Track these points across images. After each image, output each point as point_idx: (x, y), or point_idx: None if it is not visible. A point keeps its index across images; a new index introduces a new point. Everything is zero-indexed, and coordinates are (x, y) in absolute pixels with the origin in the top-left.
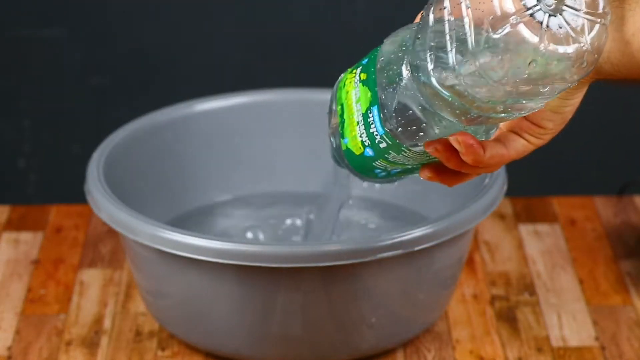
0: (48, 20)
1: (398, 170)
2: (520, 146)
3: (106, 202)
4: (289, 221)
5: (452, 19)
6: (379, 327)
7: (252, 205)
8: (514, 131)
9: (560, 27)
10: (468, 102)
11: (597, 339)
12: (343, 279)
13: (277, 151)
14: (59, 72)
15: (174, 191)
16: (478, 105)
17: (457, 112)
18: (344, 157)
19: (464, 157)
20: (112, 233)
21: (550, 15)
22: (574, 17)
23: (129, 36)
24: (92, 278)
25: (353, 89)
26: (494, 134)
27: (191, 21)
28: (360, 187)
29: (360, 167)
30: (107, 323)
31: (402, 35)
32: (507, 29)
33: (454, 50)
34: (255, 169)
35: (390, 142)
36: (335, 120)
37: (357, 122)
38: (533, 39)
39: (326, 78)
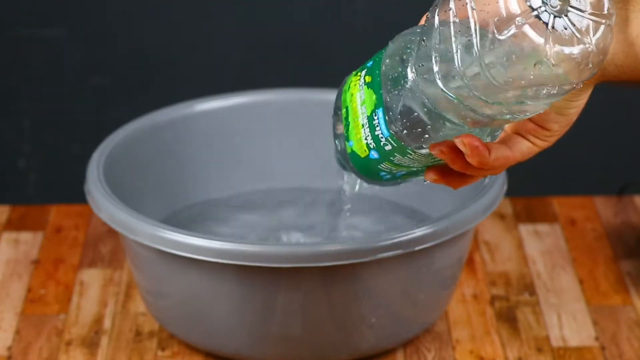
0: (48, 20)
1: (403, 172)
2: (525, 148)
3: (106, 202)
4: (290, 221)
5: (457, 20)
6: (379, 327)
7: (252, 205)
8: (519, 133)
9: (566, 28)
10: (473, 103)
11: (597, 339)
12: (343, 279)
13: (277, 151)
14: (59, 72)
15: (174, 191)
16: (483, 107)
17: (462, 114)
18: (349, 160)
19: (469, 159)
20: (112, 233)
21: (555, 17)
22: (579, 18)
23: (129, 36)
24: (92, 278)
25: (358, 91)
26: (499, 136)
27: (191, 21)
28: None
29: (365, 169)
30: (107, 323)
31: (407, 37)
32: (513, 30)
33: (459, 52)
34: (255, 168)
35: (395, 145)
36: (340, 123)
37: (362, 125)
38: (538, 40)
39: (326, 78)
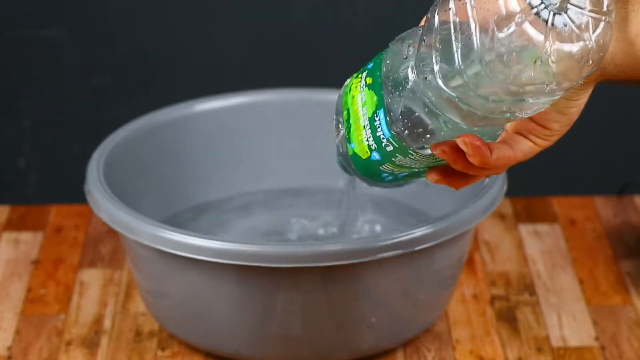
0: (48, 20)
1: (405, 173)
2: (526, 148)
3: (106, 202)
4: (290, 221)
5: (457, 19)
6: (379, 327)
7: (252, 205)
8: (520, 133)
9: (565, 26)
10: (474, 102)
11: (597, 339)
12: (343, 279)
13: (277, 151)
14: (59, 72)
15: (174, 191)
16: (484, 106)
17: (463, 113)
18: (350, 163)
19: (470, 159)
20: (112, 233)
21: (555, 14)
22: (579, 15)
23: (129, 36)
24: (92, 278)
25: (359, 93)
26: (500, 136)
27: (191, 21)
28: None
29: (367, 171)
30: (107, 323)
31: (408, 37)
32: (513, 27)
33: (459, 50)
34: (255, 168)
35: (396, 145)
36: (342, 126)
37: (364, 127)
38: (538, 37)
39: (326, 78)
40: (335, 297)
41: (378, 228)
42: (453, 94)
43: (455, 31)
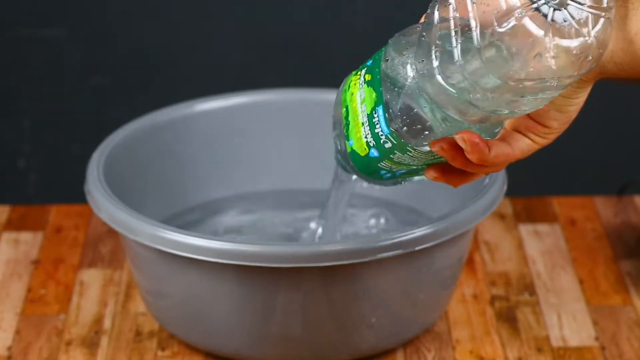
0: (48, 20)
1: (403, 171)
2: (525, 145)
3: (106, 202)
4: (290, 221)
5: (457, 15)
6: (379, 327)
7: (252, 205)
8: (519, 130)
9: (565, 21)
10: (473, 98)
11: (597, 339)
12: (343, 279)
13: (277, 151)
14: (59, 72)
15: (174, 191)
16: (483, 102)
17: (462, 109)
18: (349, 160)
19: (469, 156)
20: (112, 233)
21: (555, 9)
22: (579, 11)
23: (129, 36)
24: (92, 278)
25: (358, 90)
26: (499, 133)
27: (191, 21)
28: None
29: (366, 168)
30: (107, 323)
31: (407, 34)
32: (512, 22)
33: (459, 46)
34: (255, 168)
35: (395, 142)
36: (340, 123)
37: (362, 124)
38: (538, 32)
39: (326, 78)
40: (335, 297)
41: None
42: (452, 90)
43: (455, 26)
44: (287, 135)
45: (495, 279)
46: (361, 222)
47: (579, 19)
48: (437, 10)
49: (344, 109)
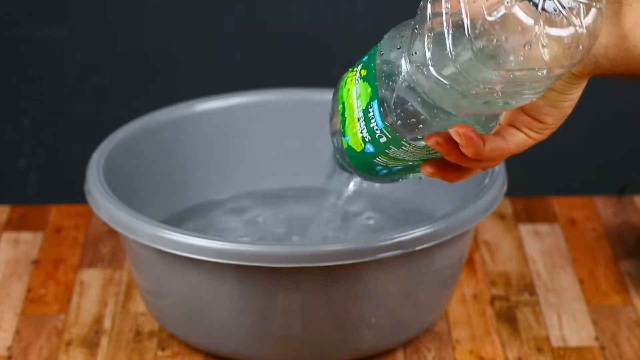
0: (48, 20)
1: (399, 167)
2: (520, 140)
3: (106, 202)
4: (290, 221)
5: (449, 6)
6: (379, 327)
7: (252, 205)
8: (514, 125)
9: (556, 10)
10: (466, 90)
11: (597, 339)
12: (343, 279)
13: (277, 151)
14: (59, 72)
15: (174, 191)
16: (476, 94)
17: (455, 102)
18: (345, 156)
19: (464, 150)
20: (112, 233)
21: None
22: (570, 1)
23: (129, 36)
24: (92, 278)
25: (354, 86)
26: (494, 128)
27: (191, 21)
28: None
29: (362, 164)
30: (107, 323)
31: (402, 28)
32: (502, 11)
33: (450, 36)
34: (255, 168)
35: (390, 137)
36: (337, 120)
37: (358, 119)
38: (528, 21)
39: (326, 78)
40: (335, 297)
41: (374, 221)
42: (445, 82)
43: (446, 17)
44: (287, 135)
45: (495, 279)
46: (361, 222)
47: (570, 8)
48: (430, 2)
49: (341, 106)
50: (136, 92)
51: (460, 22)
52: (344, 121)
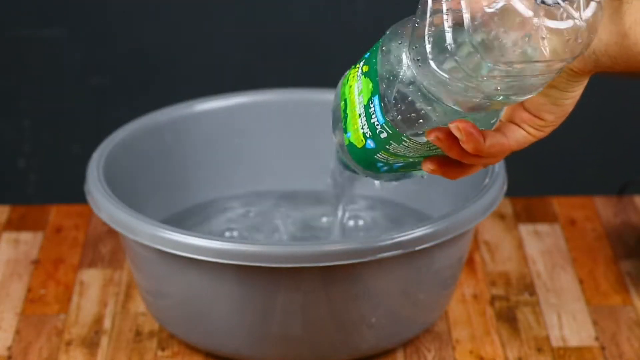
0: (48, 20)
1: (400, 164)
2: (520, 137)
3: (106, 202)
4: (290, 221)
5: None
6: (379, 327)
7: (252, 205)
8: (515, 122)
9: (555, 3)
10: (466, 84)
11: (597, 339)
12: (343, 279)
13: (277, 151)
14: (59, 72)
15: (174, 191)
16: (476, 88)
17: (456, 96)
18: (346, 152)
19: (464, 145)
20: (112, 233)
21: None
22: None
23: (129, 36)
24: (92, 278)
25: (356, 82)
26: (495, 124)
27: (191, 21)
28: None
29: (363, 161)
30: (107, 323)
31: (403, 24)
32: (501, 3)
33: (450, 30)
34: (255, 168)
35: (390, 132)
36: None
37: (359, 115)
38: (527, 13)
39: (326, 78)
40: (335, 297)
41: (360, 223)
42: (445, 76)
43: (446, 10)
44: (287, 135)
45: (495, 279)
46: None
47: (570, 2)
48: None
49: (343, 102)
50: (136, 92)
51: (460, 15)
52: (345, 117)
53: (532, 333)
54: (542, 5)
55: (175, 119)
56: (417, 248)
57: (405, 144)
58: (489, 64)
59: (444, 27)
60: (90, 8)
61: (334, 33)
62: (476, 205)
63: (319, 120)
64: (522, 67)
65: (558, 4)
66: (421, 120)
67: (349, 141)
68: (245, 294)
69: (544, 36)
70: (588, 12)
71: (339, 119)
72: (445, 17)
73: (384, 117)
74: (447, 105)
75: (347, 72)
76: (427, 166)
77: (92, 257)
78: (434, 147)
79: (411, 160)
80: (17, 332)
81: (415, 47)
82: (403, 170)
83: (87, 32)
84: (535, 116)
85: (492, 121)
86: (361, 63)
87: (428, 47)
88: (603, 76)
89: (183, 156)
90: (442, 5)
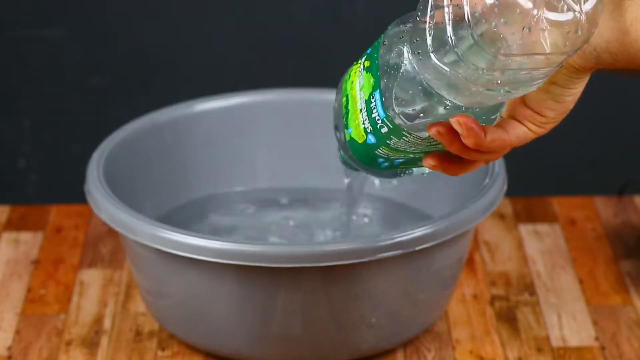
0: (48, 20)
1: (401, 160)
2: (521, 133)
3: (106, 202)
4: (290, 221)
5: None
6: (379, 327)
7: (252, 205)
8: (515, 118)
9: None
10: (467, 77)
11: (597, 339)
12: (343, 279)
13: (277, 151)
14: (59, 72)
15: (174, 191)
16: (476, 81)
17: (456, 89)
18: (348, 149)
19: (465, 140)
20: (112, 233)
21: None
22: None
23: (129, 36)
24: (92, 278)
25: (357, 77)
26: (496, 121)
27: (191, 21)
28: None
29: (363, 157)
30: (107, 323)
31: (405, 19)
32: None
33: (451, 22)
34: (255, 168)
35: (391, 127)
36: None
37: (360, 110)
38: (526, 4)
39: (326, 78)
40: (335, 297)
41: (375, 221)
42: (446, 69)
43: (447, 3)
44: (287, 135)
45: (495, 279)
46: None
47: None
48: None
49: (344, 98)
50: (136, 92)
51: (460, 8)
52: (347, 113)
53: (532, 333)
54: None
55: (175, 119)
56: (417, 248)
57: (405, 138)
58: (489, 57)
59: (444, 20)
60: (90, 8)
61: (334, 33)
62: (476, 205)
63: (319, 120)
64: (522, 59)
65: None
66: (422, 115)
67: (350, 137)
68: (245, 294)
69: (544, 28)
70: (588, 5)
71: (341, 116)
72: (446, 9)
73: (384, 111)
74: (447, 99)
75: (350, 68)
76: (428, 161)
77: (92, 257)
78: (434, 143)
79: (412, 156)
80: (17, 332)
81: (416, 40)
82: (404, 166)
83: (87, 32)
84: (536, 112)
85: (493, 117)
86: (363, 58)
87: (429, 40)
88: (604, 73)
89: (183, 156)
90: None
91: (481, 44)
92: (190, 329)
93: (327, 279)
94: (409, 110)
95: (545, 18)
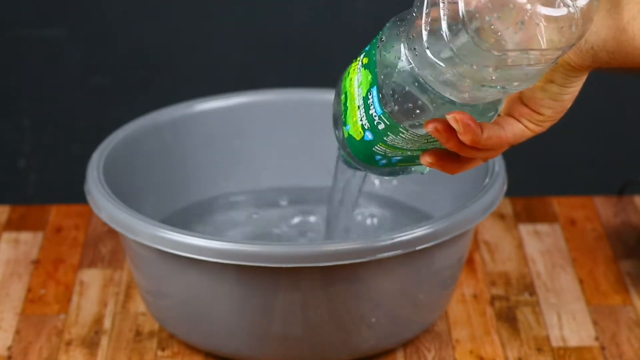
0: (48, 20)
1: (399, 157)
2: (518, 130)
3: (106, 202)
4: (290, 221)
5: None
6: (379, 327)
7: (252, 205)
8: (513, 116)
9: None
10: (461, 72)
11: (597, 339)
12: (343, 279)
13: (277, 151)
14: (59, 72)
15: (174, 191)
16: (471, 76)
17: (452, 85)
18: (346, 146)
19: (461, 137)
20: (112, 233)
21: None
22: None
23: (129, 36)
24: (92, 278)
25: (356, 74)
26: (494, 119)
27: (191, 21)
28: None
29: (361, 153)
30: (107, 323)
31: (402, 15)
32: None
33: (446, 18)
34: (255, 168)
35: (388, 123)
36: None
37: (358, 107)
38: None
39: (326, 78)
40: (335, 297)
41: (375, 221)
42: (441, 64)
43: (443, 0)
44: (287, 135)
45: (495, 279)
46: (361, 222)
47: None
48: None
49: (343, 96)
50: (136, 92)
51: (455, 3)
52: (345, 110)
53: (532, 333)
54: None
55: (175, 119)
56: (417, 248)
57: (402, 135)
58: (484, 52)
59: (440, 17)
60: (90, 8)
61: (334, 33)
62: (476, 205)
63: (319, 120)
64: (517, 55)
65: None
66: (418, 111)
67: (348, 134)
68: (245, 294)
69: (538, 23)
70: (583, 1)
71: (340, 113)
72: (441, 5)
73: (381, 108)
74: (443, 95)
75: (349, 66)
76: (426, 159)
77: (92, 257)
78: (432, 140)
79: (409, 153)
80: (17, 332)
81: (413, 36)
82: (402, 164)
83: (87, 32)
84: (533, 111)
85: (490, 114)
86: (361, 56)
87: (425, 36)
88: (602, 72)
89: (183, 156)
90: None
91: (476, 40)
92: (190, 329)
93: (327, 279)
94: (405, 106)
95: (539, 13)
